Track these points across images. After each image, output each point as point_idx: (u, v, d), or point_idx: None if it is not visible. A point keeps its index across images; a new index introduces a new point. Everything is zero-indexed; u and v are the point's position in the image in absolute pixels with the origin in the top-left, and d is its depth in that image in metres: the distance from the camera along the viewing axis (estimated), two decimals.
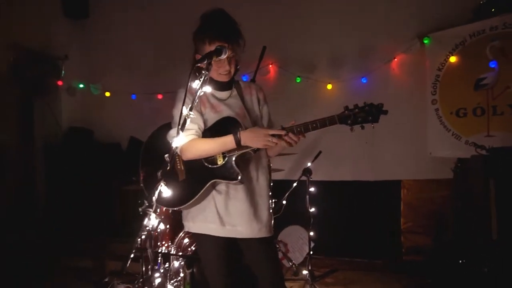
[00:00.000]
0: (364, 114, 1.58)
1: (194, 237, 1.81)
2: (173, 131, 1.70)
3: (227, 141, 1.65)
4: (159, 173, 1.32)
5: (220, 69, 1.72)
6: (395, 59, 3.75)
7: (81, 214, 4.07)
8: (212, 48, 1.58)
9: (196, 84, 1.45)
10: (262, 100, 1.89)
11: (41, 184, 4.45)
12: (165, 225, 3.12)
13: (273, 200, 1.89)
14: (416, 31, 3.61)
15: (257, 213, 1.75)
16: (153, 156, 1.84)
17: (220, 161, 1.69)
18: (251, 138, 1.64)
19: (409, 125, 3.74)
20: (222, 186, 1.73)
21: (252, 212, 1.73)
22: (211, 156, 1.68)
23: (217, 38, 1.63)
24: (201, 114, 1.75)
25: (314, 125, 1.60)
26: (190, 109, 1.40)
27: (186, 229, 1.82)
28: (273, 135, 1.61)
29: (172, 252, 2.92)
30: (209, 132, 1.73)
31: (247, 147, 1.66)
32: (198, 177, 1.71)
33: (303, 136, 1.63)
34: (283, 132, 1.61)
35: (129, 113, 4.69)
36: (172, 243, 3.10)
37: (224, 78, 1.76)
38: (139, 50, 4.59)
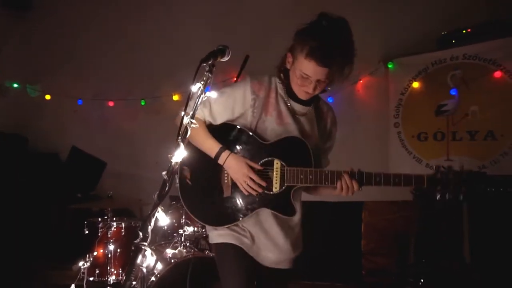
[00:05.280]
0: (457, 181, 1.41)
1: (216, 248, 1.57)
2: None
3: (211, 147, 1.48)
4: (155, 196, 1.03)
5: (303, 87, 1.46)
6: (361, 81, 3.80)
7: (10, 236, 3.45)
8: (306, 61, 1.37)
9: (197, 88, 1.21)
10: (333, 134, 1.66)
11: None
12: (116, 249, 2.74)
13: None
14: (381, 55, 3.70)
15: (288, 246, 1.57)
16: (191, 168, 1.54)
17: (276, 189, 1.47)
18: (232, 167, 1.46)
19: (372, 146, 3.78)
20: None
21: (282, 244, 1.56)
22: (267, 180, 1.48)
23: (317, 58, 1.36)
24: (254, 118, 1.52)
25: (396, 180, 1.44)
26: (192, 117, 1.15)
27: (211, 241, 1.57)
28: (253, 180, 1.44)
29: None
30: (268, 148, 1.49)
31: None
32: (246, 200, 1.49)
33: (358, 190, 1.47)
34: (262, 183, 1.45)
35: (73, 120, 4.21)
36: (124, 271, 2.71)
37: (301, 96, 1.52)
38: (90, 51, 4.14)
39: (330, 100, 3.88)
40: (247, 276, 1.49)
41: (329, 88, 1.54)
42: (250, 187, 1.45)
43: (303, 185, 1.47)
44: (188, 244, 2.59)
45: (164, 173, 1.07)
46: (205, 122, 1.54)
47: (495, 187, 2.36)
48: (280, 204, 1.47)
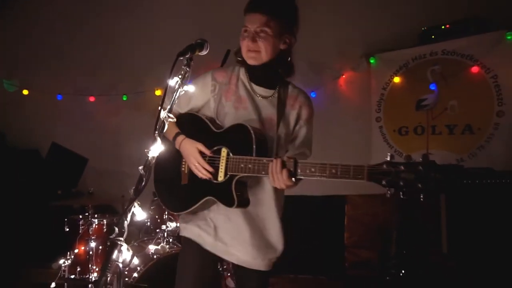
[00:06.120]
0: (412, 176, 1.05)
1: (182, 241, 1.60)
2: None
3: (170, 133, 1.50)
4: (131, 191, 1.03)
5: (245, 45, 1.45)
6: (343, 76, 3.83)
7: None
8: (245, 17, 1.40)
9: (175, 82, 1.20)
10: (304, 120, 1.55)
11: None
12: (97, 246, 2.70)
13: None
14: (363, 51, 3.74)
15: (257, 240, 1.50)
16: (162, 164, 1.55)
17: (220, 178, 1.43)
18: (185, 151, 1.47)
19: (355, 141, 3.82)
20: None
21: (249, 236, 1.49)
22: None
23: (251, 4, 1.41)
24: (215, 103, 1.53)
25: (333, 170, 1.21)
26: (169, 111, 1.15)
27: (181, 233, 1.58)
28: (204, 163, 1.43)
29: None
30: (219, 136, 1.47)
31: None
32: (197, 188, 1.48)
33: (290, 182, 1.28)
34: (208, 168, 1.42)
35: (53, 116, 4.13)
36: None
37: (249, 59, 1.45)
38: (69, 45, 4.06)
39: (313, 95, 3.90)
40: (196, 276, 1.47)
41: (290, 59, 1.53)
42: (199, 171, 1.44)
43: (245, 175, 1.38)
44: (171, 240, 2.58)
45: (140, 167, 1.07)
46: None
47: (472, 179, 2.42)
48: (222, 193, 1.42)
